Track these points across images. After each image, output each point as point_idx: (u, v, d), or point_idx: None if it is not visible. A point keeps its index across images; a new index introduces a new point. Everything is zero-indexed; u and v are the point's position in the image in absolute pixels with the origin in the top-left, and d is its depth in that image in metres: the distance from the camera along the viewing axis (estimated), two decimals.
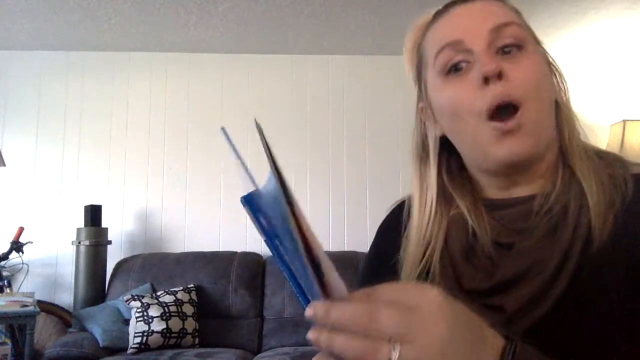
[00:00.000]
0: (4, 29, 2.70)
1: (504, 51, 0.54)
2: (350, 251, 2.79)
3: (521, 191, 0.58)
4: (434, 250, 0.59)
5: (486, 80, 0.52)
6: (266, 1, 2.40)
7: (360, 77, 3.13)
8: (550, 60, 0.59)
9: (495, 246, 0.55)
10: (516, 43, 0.54)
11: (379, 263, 0.68)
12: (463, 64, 0.55)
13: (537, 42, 0.58)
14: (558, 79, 0.59)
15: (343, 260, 2.56)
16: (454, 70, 0.56)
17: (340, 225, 3.02)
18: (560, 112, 0.57)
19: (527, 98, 0.52)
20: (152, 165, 2.99)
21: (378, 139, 3.07)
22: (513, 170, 0.56)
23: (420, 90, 0.63)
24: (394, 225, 0.67)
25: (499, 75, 0.52)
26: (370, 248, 0.73)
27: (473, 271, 0.55)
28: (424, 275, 0.59)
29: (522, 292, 0.51)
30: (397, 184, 2.93)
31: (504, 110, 0.52)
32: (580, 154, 0.56)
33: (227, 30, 2.74)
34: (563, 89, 0.59)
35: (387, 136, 3.05)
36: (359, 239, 2.94)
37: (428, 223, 0.60)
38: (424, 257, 0.59)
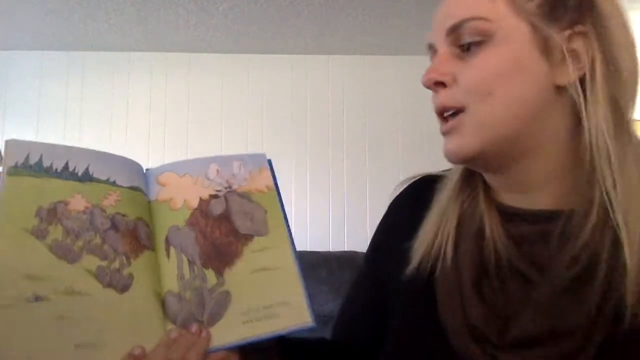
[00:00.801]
0: (4, 29, 2.70)
1: (468, 48, 0.49)
2: (350, 251, 2.80)
3: (537, 199, 0.51)
4: (440, 252, 0.53)
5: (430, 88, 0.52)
6: (266, 1, 2.40)
7: (360, 77, 3.13)
8: (562, 47, 0.47)
9: (508, 271, 0.49)
10: (477, 40, 0.48)
11: (387, 248, 0.63)
12: None
13: (538, 24, 0.48)
14: (571, 66, 0.47)
15: (343, 260, 2.56)
16: None
17: (340, 225, 3.02)
18: (588, 108, 0.47)
19: (471, 102, 0.49)
20: (152, 164, 2.99)
21: (378, 139, 3.07)
22: (475, 167, 0.53)
23: None
24: (412, 201, 0.63)
25: (439, 83, 0.50)
26: (378, 230, 0.68)
27: (481, 305, 0.49)
28: (426, 282, 0.53)
29: (537, 355, 0.44)
30: (397, 184, 2.92)
31: (451, 114, 0.51)
32: (619, 175, 0.45)
33: (227, 30, 2.74)
34: (590, 77, 0.47)
35: (387, 136, 3.05)
36: (359, 239, 2.94)
37: (446, 210, 0.55)
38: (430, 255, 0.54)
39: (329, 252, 2.70)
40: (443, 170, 0.64)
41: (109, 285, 0.48)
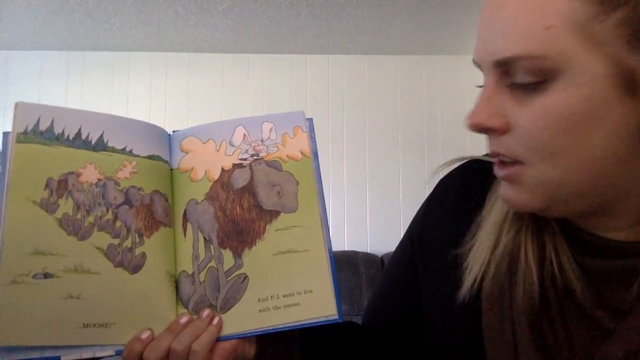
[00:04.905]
0: (4, 29, 2.70)
1: (524, 87, 0.38)
2: (350, 251, 2.79)
3: (617, 229, 0.42)
4: (491, 270, 0.45)
5: None
6: (266, 1, 2.40)
7: (360, 77, 3.13)
8: None
9: (575, 315, 0.41)
10: (534, 80, 0.37)
11: (431, 244, 0.54)
12: None
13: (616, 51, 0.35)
14: None
15: (343, 260, 2.56)
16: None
17: (340, 225, 3.02)
18: None
19: (531, 158, 0.39)
20: None
21: (378, 138, 3.07)
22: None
23: None
24: (463, 192, 0.53)
25: (486, 130, 0.40)
26: (419, 220, 0.58)
27: (539, 354, 0.41)
28: (473, 306, 0.45)
29: None
30: (397, 184, 2.93)
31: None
32: None
33: (227, 30, 2.74)
34: None
35: (387, 136, 3.05)
36: (359, 239, 2.94)
37: (505, 220, 0.46)
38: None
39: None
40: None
41: (120, 264, 0.45)
